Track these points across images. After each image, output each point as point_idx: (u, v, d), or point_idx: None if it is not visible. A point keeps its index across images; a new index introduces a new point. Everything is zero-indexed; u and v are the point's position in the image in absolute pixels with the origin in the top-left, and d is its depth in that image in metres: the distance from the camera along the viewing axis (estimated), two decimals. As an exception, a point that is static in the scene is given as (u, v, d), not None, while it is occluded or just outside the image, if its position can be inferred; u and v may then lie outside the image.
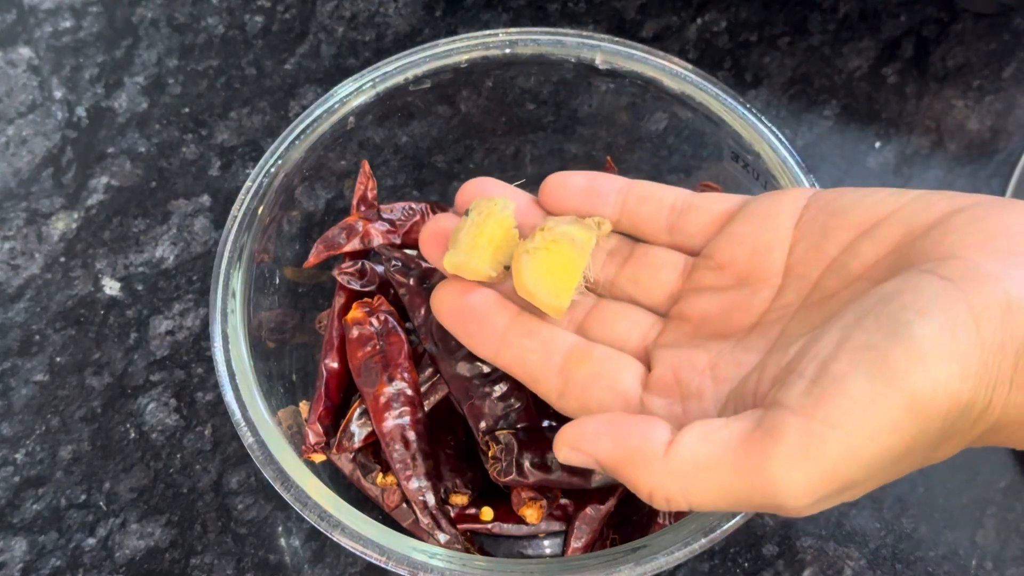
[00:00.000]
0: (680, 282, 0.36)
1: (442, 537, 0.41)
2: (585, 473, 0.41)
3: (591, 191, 0.37)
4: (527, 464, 0.40)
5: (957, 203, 0.30)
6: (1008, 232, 0.28)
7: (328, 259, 0.45)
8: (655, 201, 0.37)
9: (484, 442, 0.41)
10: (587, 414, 0.32)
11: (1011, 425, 0.28)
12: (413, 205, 0.47)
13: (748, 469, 0.27)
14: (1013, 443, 0.29)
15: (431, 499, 0.41)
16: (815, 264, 0.32)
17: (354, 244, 0.45)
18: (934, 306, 0.27)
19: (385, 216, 0.46)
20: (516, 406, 0.41)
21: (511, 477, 0.40)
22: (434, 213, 0.47)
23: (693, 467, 0.28)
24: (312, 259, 0.45)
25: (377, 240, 0.45)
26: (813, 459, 0.26)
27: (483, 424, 0.41)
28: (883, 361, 0.26)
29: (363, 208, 0.47)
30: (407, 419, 0.42)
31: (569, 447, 0.30)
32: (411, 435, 0.42)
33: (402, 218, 0.46)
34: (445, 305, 0.35)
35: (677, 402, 0.32)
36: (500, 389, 0.41)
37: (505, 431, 0.40)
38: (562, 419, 0.43)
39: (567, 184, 0.37)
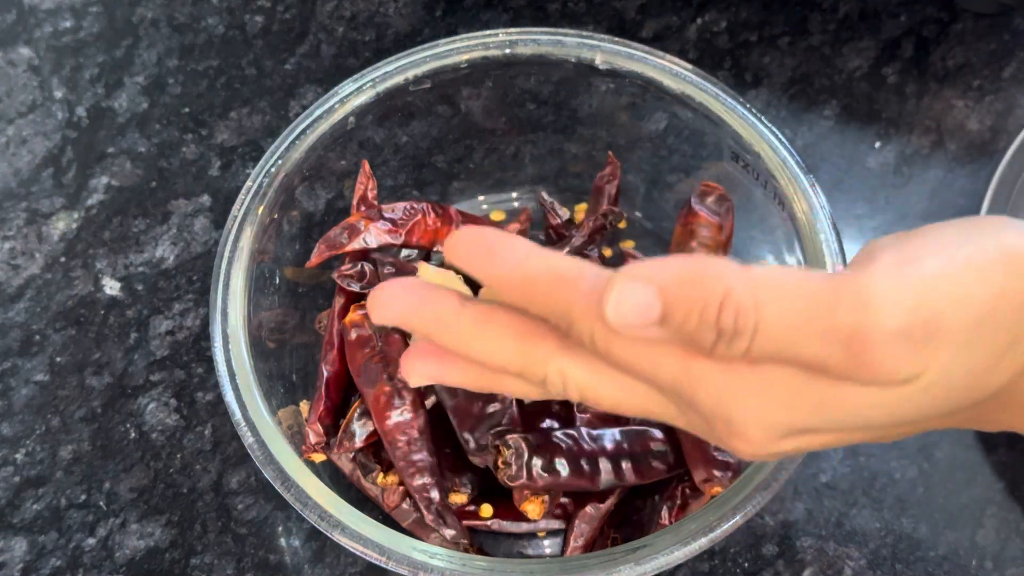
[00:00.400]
0: None
1: (448, 533, 0.41)
2: (593, 476, 0.41)
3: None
4: (537, 469, 0.40)
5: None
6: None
7: (329, 259, 0.45)
8: None
9: (477, 444, 0.41)
10: None
11: None
12: (415, 204, 0.47)
13: (837, 285, 0.26)
14: None
15: (435, 495, 0.41)
16: None
17: (357, 244, 0.45)
18: (1000, 220, 0.28)
19: (387, 216, 0.46)
20: (499, 408, 0.41)
21: (521, 482, 0.40)
22: (435, 212, 0.47)
23: (773, 283, 0.26)
24: (314, 259, 0.45)
25: (379, 239, 0.45)
26: (908, 271, 0.26)
27: (466, 423, 0.41)
28: (973, 223, 0.28)
29: (363, 208, 0.47)
30: (409, 417, 0.42)
31: (628, 280, 0.26)
32: (414, 433, 0.42)
33: (404, 217, 0.46)
34: (464, 240, 0.28)
35: None
36: None
37: (514, 435, 0.40)
38: (562, 420, 0.44)
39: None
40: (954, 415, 0.29)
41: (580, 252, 0.46)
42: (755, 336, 0.26)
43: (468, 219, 0.48)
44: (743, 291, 0.25)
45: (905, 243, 0.27)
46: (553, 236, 0.49)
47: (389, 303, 0.29)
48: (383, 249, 0.46)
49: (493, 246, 0.28)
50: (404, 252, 0.48)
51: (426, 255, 0.49)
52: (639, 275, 0.26)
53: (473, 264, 0.28)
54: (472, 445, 0.41)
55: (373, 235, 0.45)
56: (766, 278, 0.26)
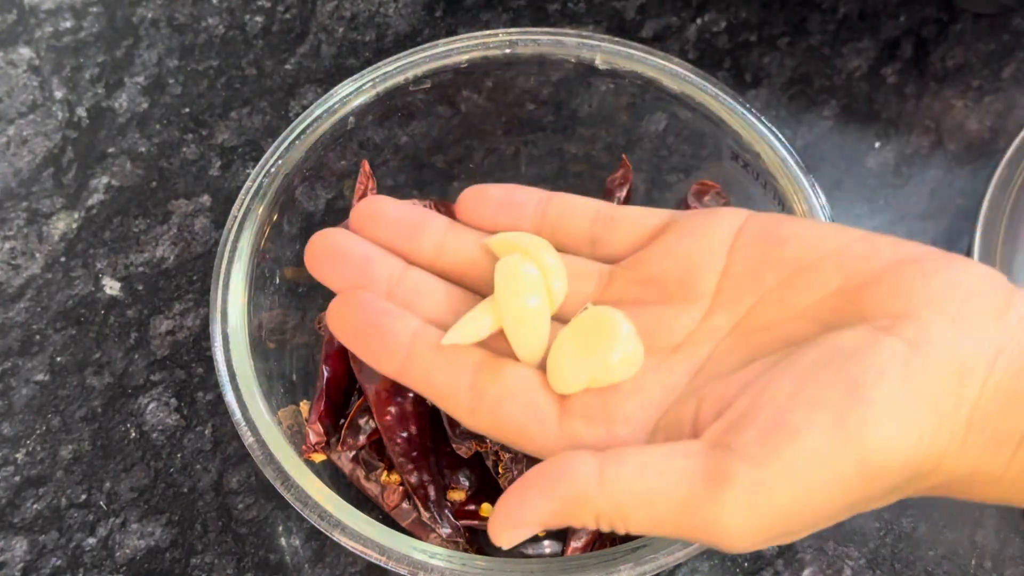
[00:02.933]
0: (599, 293, 0.34)
1: (444, 531, 0.41)
2: None
3: (509, 203, 0.36)
4: None
5: (904, 252, 0.30)
6: (956, 293, 0.29)
7: None
8: (576, 213, 0.35)
9: (462, 432, 0.41)
10: (500, 433, 0.31)
11: (953, 483, 0.29)
12: (417, 203, 0.47)
13: (692, 509, 0.27)
14: (954, 495, 0.30)
15: (433, 493, 0.41)
16: (750, 291, 0.32)
17: None
18: (892, 370, 0.27)
19: None
20: None
21: None
22: (438, 211, 0.47)
23: (632, 499, 0.28)
24: None
25: None
26: (759, 509, 0.27)
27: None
28: (840, 420, 0.27)
29: None
30: (409, 412, 0.42)
31: (509, 530, 0.29)
32: (414, 429, 0.42)
33: None
34: (344, 321, 0.33)
35: (601, 426, 0.31)
36: None
37: None
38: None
39: (484, 197, 0.36)
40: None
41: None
42: (628, 532, 0.29)
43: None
44: (609, 510, 0.28)
45: (766, 457, 0.27)
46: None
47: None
48: None
49: (376, 343, 0.33)
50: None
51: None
52: (519, 520, 0.29)
53: (358, 353, 0.33)
54: (457, 431, 0.41)
55: None
56: (628, 493, 0.28)
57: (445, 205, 0.48)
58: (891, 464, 0.27)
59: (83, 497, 0.48)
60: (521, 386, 0.32)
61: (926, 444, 0.27)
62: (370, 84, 0.45)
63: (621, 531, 0.28)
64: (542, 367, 0.33)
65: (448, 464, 0.43)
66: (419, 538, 0.39)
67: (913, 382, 0.27)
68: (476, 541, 0.45)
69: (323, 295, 0.49)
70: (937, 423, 0.27)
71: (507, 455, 0.40)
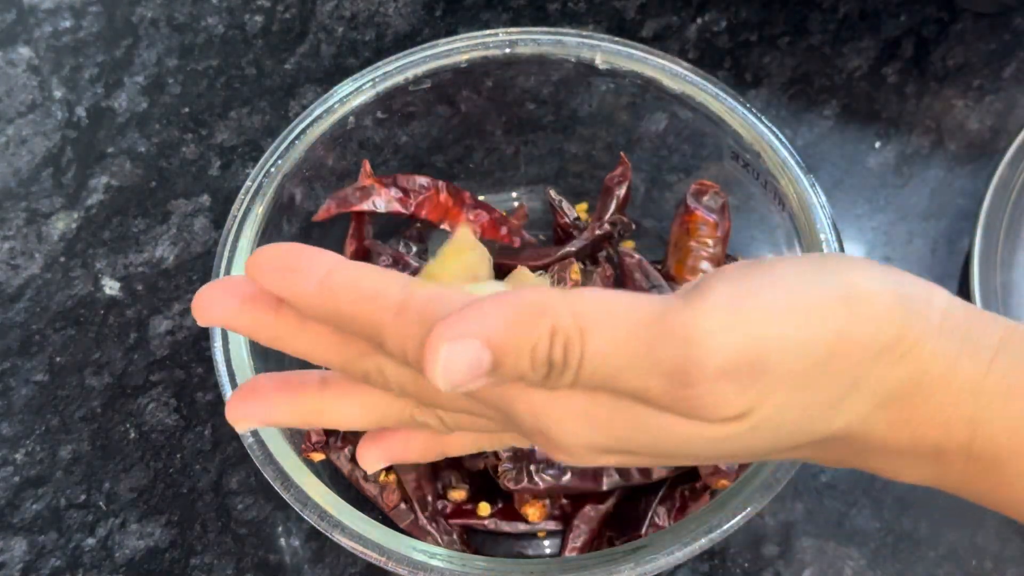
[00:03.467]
0: None
1: (443, 538, 0.41)
2: (597, 477, 0.41)
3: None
4: (539, 472, 0.40)
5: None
6: (886, 270, 0.28)
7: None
8: None
9: None
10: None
11: (932, 385, 0.27)
12: (431, 180, 0.47)
13: (663, 318, 0.25)
14: (934, 422, 0.27)
15: (429, 496, 0.41)
16: None
17: (366, 205, 0.46)
18: (857, 262, 0.27)
19: (400, 184, 0.47)
20: None
21: (523, 485, 0.40)
22: (448, 192, 0.48)
23: (596, 309, 0.25)
24: (322, 213, 0.45)
25: (389, 206, 0.46)
26: (739, 314, 0.25)
27: None
28: (820, 261, 0.27)
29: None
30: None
31: (450, 341, 0.24)
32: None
33: (417, 189, 0.47)
34: (262, 262, 0.28)
35: None
36: None
37: None
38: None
39: None
40: (790, 452, 0.28)
41: (584, 257, 0.46)
42: (581, 367, 0.25)
43: (481, 206, 0.49)
44: (569, 322, 0.25)
45: (745, 276, 0.26)
46: (561, 235, 0.49)
47: (210, 305, 0.29)
48: (392, 216, 0.47)
49: (294, 264, 0.27)
50: (404, 249, 0.48)
51: (420, 236, 0.49)
52: (463, 331, 0.24)
53: (275, 284, 0.27)
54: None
55: (383, 199, 0.46)
56: (593, 306, 0.25)
57: (458, 189, 0.48)
58: (875, 294, 0.26)
59: (82, 497, 0.48)
60: (458, 292, 0.27)
61: (900, 308, 0.26)
62: (370, 84, 0.45)
63: (575, 354, 0.25)
64: None
65: (448, 464, 0.43)
66: (418, 539, 0.39)
67: (879, 277, 0.27)
68: (476, 541, 0.45)
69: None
70: (911, 306, 0.26)
71: (506, 454, 0.40)
